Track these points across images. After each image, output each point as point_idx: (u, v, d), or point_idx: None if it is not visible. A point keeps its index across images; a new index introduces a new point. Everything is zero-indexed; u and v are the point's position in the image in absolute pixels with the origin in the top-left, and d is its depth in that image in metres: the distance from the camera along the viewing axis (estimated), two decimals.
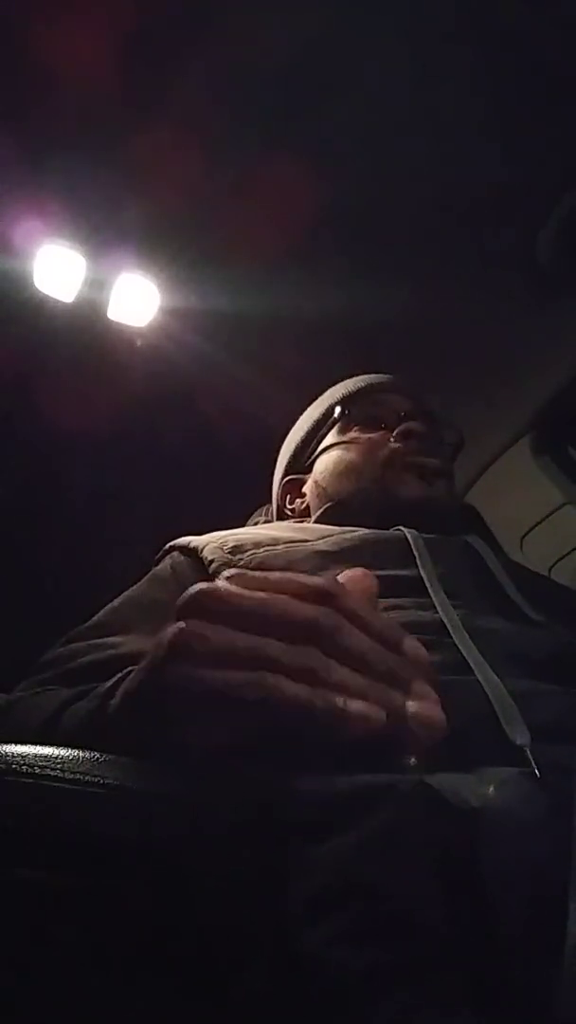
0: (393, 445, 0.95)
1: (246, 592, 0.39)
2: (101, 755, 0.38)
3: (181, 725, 0.37)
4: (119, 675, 0.51)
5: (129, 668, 0.51)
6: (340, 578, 0.41)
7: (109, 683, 0.50)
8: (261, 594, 0.38)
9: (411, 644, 0.39)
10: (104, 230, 1.39)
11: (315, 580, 0.39)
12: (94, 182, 1.29)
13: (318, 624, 0.37)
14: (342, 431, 1.02)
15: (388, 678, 0.37)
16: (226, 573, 0.41)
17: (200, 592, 0.39)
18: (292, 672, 0.35)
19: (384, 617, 0.40)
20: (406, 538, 0.79)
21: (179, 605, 0.40)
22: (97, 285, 1.50)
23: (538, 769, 0.47)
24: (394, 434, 0.96)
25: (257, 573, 0.41)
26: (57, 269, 1.47)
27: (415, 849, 0.43)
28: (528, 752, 0.48)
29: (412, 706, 0.36)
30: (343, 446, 1.00)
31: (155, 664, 0.40)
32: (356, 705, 0.34)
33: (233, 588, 0.39)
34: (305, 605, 0.38)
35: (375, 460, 0.95)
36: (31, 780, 0.35)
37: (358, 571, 0.42)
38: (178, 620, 0.39)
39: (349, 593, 0.39)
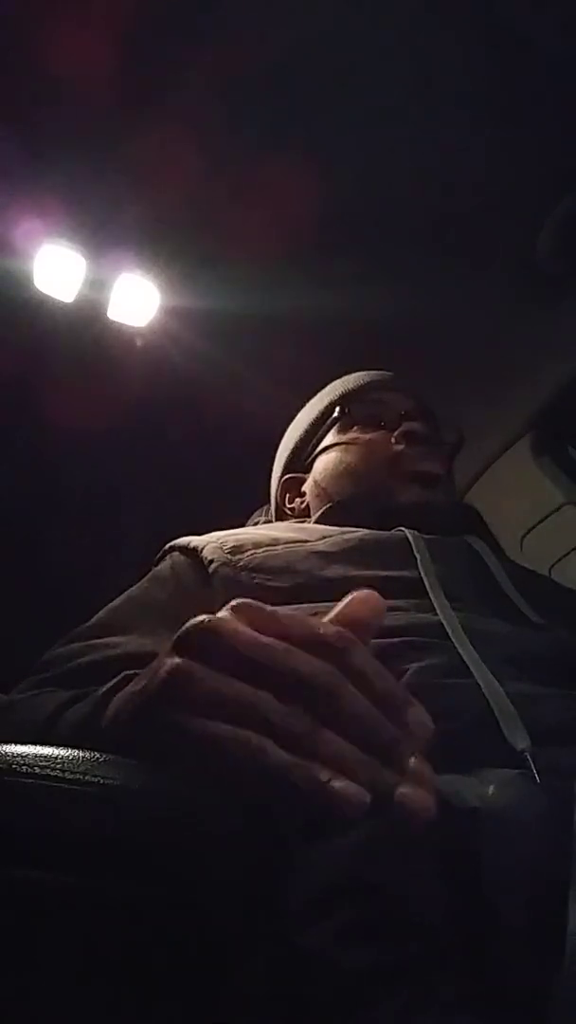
0: (395, 448, 0.94)
1: (248, 634, 0.37)
2: (101, 755, 0.37)
3: (169, 758, 0.37)
4: (117, 678, 0.51)
5: (128, 671, 0.52)
6: (348, 599, 0.39)
7: (106, 686, 0.50)
8: (263, 639, 0.36)
9: (415, 712, 0.36)
10: (104, 230, 1.39)
11: (325, 629, 0.37)
12: (94, 182, 1.29)
13: (317, 683, 0.35)
14: (342, 431, 1.01)
15: (383, 752, 0.34)
16: (235, 602, 0.39)
17: (201, 628, 0.38)
18: (280, 736, 0.34)
19: (390, 678, 0.37)
20: (407, 539, 0.79)
21: (179, 637, 0.38)
22: (97, 285, 1.50)
23: (537, 772, 0.47)
24: (395, 436, 0.96)
25: (268, 609, 0.39)
26: (57, 269, 1.46)
27: (415, 849, 0.43)
28: (528, 757, 0.48)
29: (403, 790, 0.33)
30: (343, 447, 0.99)
31: (146, 698, 0.39)
32: (340, 784, 0.32)
33: (235, 627, 0.37)
34: (307, 658, 0.36)
35: (376, 463, 0.95)
36: (31, 780, 0.35)
37: (365, 592, 0.39)
38: (176, 652, 0.38)
39: (358, 646, 0.37)
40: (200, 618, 0.38)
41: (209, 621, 0.38)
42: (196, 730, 0.35)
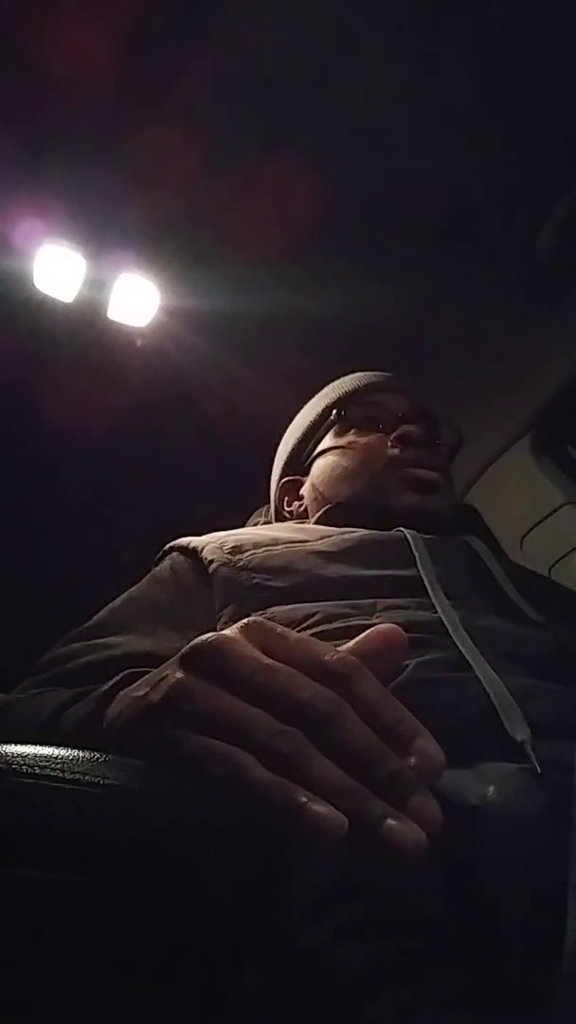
0: (390, 452, 0.94)
1: (252, 656, 0.37)
2: (101, 755, 0.37)
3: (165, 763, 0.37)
4: (117, 677, 0.51)
5: (128, 670, 0.52)
6: (368, 633, 0.38)
7: (106, 686, 0.50)
8: (267, 662, 0.36)
9: (424, 744, 0.35)
10: (104, 230, 1.39)
11: (332, 655, 0.36)
12: (94, 182, 1.29)
13: (315, 709, 0.34)
14: (339, 434, 1.01)
15: (378, 783, 0.33)
16: (246, 620, 0.39)
17: (208, 646, 0.37)
18: (266, 754, 0.33)
19: (398, 707, 0.36)
20: (406, 539, 0.79)
21: (185, 652, 0.38)
22: (97, 285, 1.50)
23: (538, 765, 0.47)
24: (391, 438, 0.95)
25: (278, 630, 0.38)
26: (57, 269, 1.46)
27: None
28: (528, 748, 0.48)
29: (392, 823, 0.32)
30: (340, 451, 0.99)
31: (144, 707, 0.39)
32: (316, 808, 0.31)
33: (242, 647, 0.37)
34: (309, 684, 0.35)
35: (372, 467, 0.94)
36: (31, 780, 0.35)
37: (387, 627, 0.39)
38: (180, 667, 0.38)
39: (364, 674, 0.36)
40: (208, 635, 0.38)
41: (216, 639, 0.38)
42: (185, 743, 0.35)
